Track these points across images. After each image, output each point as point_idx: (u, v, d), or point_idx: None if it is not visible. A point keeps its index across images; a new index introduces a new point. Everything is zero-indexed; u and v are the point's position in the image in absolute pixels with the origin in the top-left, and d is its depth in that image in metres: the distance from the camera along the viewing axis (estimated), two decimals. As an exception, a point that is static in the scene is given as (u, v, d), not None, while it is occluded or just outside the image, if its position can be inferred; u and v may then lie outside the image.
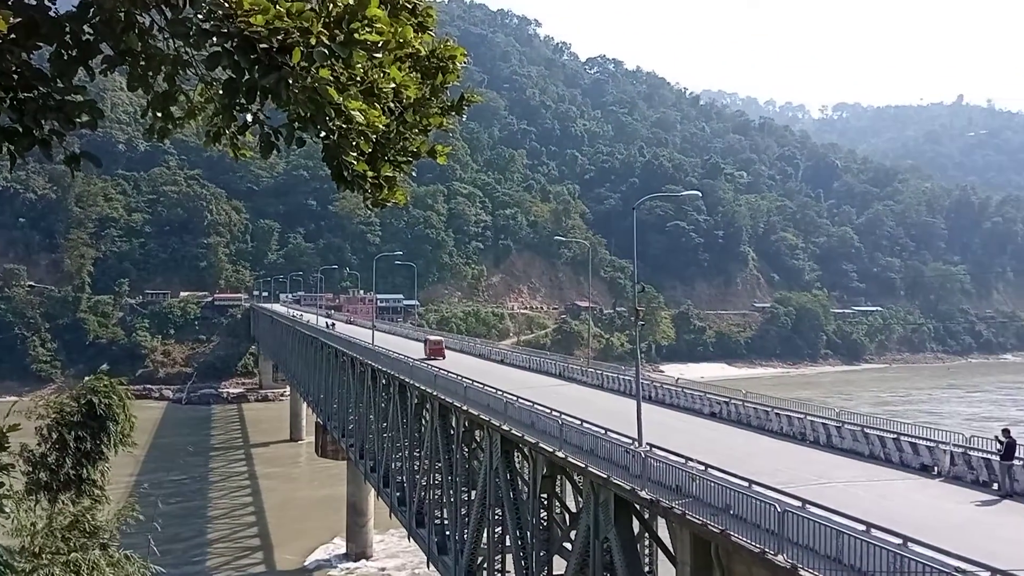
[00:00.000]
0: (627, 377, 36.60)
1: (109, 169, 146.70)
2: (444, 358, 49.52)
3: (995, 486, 18.53)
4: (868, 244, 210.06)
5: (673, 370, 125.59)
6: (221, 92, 4.26)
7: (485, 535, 30.74)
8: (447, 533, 35.37)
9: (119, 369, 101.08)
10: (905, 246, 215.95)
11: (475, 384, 32.31)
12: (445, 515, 35.84)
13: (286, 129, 4.42)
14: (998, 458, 18.68)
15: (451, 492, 34.19)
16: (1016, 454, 18.57)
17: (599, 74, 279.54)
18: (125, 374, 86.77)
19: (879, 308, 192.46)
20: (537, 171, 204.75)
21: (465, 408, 31.47)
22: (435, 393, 34.97)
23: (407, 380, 39.59)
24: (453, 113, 5.48)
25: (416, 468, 39.92)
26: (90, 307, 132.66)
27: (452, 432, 34.83)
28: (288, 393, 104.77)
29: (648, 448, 21.35)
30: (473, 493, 32.13)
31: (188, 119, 4.82)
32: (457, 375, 35.11)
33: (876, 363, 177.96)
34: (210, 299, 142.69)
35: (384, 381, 45.29)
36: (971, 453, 20.66)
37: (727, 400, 30.17)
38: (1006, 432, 18.96)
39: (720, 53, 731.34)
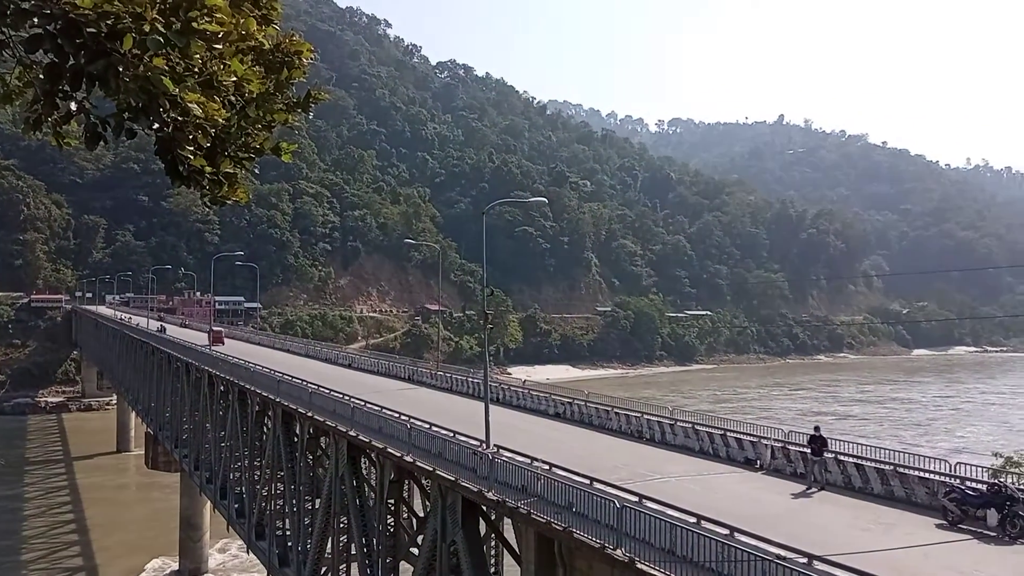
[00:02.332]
0: (476, 380, 36.92)
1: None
2: (224, 344, 60.15)
3: (808, 477, 20.19)
4: (699, 252, 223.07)
5: (520, 372, 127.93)
6: (42, 77, 3.93)
7: (330, 544, 30.01)
8: (289, 544, 34.21)
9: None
10: (732, 254, 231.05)
11: (321, 389, 31.51)
12: (287, 525, 34.65)
13: (115, 119, 4.12)
14: (810, 454, 20.37)
15: (294, 502, 33.10)
16: (825, 450, 20.37)
17: (449, 78, 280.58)
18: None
19: (709, 312, 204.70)
20: (387, 173, 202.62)
21: (310, 414, 30.61)
22: (278, 399, 33.76)
23: (247, 386, 37.97)
24: (299, 110, 5.30)
25: (257, 478, 38.33)
26: None
27: (296, 439, 33.77)
28: (115, 402, 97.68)
29: (495, 450, 21.63)
30: (317, 502, 31.27)
31: (3, 104, 4.39)
32: (302, 380, 34.09)
33: (706, 364, 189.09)
34: (26, 300, 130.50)
35: (222, 388, 43.20)
36: (789, 447, 22.44)
37: (570, 401, 31.11)
38: (817, 429, 20.74)
39: (566, 65, 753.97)
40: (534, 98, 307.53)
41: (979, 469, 19.66)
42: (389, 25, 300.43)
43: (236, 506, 40.16)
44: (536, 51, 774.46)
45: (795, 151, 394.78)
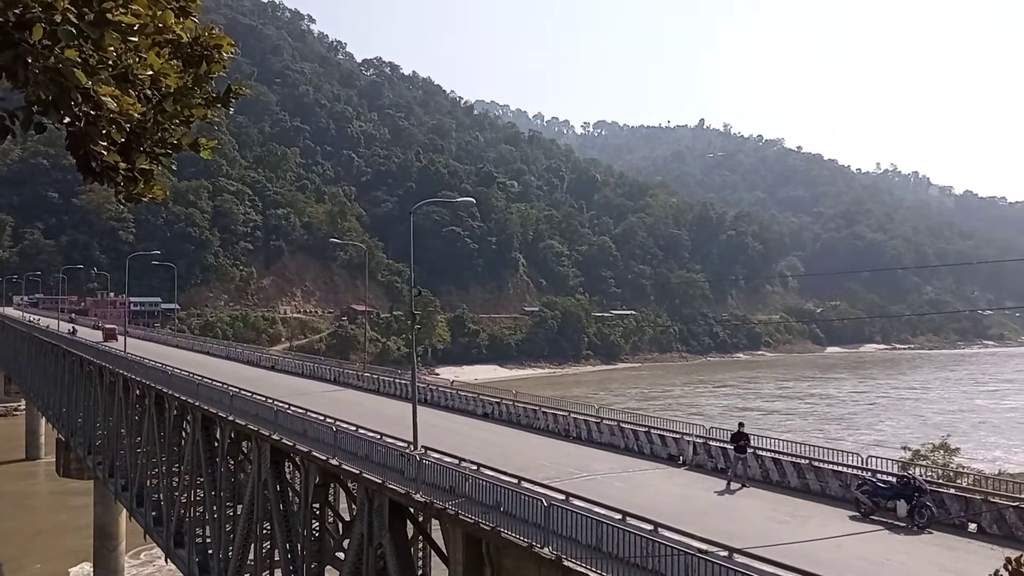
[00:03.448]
0: (403, 381, 36.67)
1: None
2: (117, 340, 60.10)
3: (730, 472, 20.74)
4: (624, 253, 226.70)
5: (448, 373, 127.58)
6: (-59, 67, 3.71)
7: (252, 551, 29.31)
8: (210, 552, 33.27)
9: None
10: (655, 255, 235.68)
11: (243, 393, 30.76)
12: (208, 533, 33.68)
13: (24, 113, 3.92)
14: (733, 450, 20.89)
15: (215, 508, 32.20)
16: (748, 447, 20.95)
17: (375, 76, 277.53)
18: None
19: (633, 312, 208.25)
20: (312, 171, 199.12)
21: (231, 418, 29.83)
22: (197, 404, 32.79)
23: (165, 390, 36.76)
24: (219, 105, 5.15)
25: (175, 484, 37.14)
26: None
27: (216, 444, 32.86)
28: (23, 407, 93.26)
29: (423, 451, 21.52)
30: (239, 508, 30.50)
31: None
32: (223, 383, 33.19)
33: (631, 362, 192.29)
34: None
35: (138, 392, 41.71)
36: (711, 443, 23.03)
37: (499, 401, 31.19)
38: (741, 426, 21.32)
39: (493, 66, 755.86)
40: (461, 98, 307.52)
41: (889, 462, 20.57)
42: (313, 20, 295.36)
43: (154, 514, 38.89)
44: (463, 51, 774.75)
45: (715, 155, 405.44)
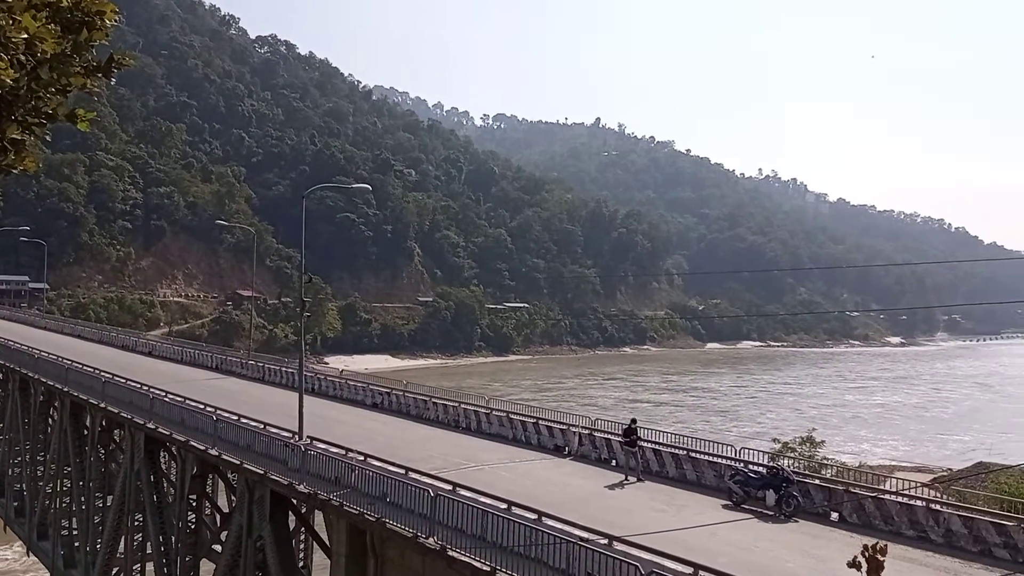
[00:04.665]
0: (290, 370, 35.88)
1: None
2: None
3: (624, 466, 21.24)
4: (519, 246, 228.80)
5: (338, 362, 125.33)
6: None
7: (123, 544, 28.04)
8: (76, 544, 31.59)
9: None
10: (549, 249, 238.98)
11: (116, 379, 29.33)
12: (75, 525, 31.98)
13: None
14: (623, 443, 21.35)
15: (83, 499, 30.59)
16: (639, 440, 21.54)
17: (270, 54, 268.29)
18: None
19: (526, 305, 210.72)
20: (198, 149, 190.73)
21: (103, 405, 28.40)
22: (66, 389, 31.02)
23: (30, 374, 34.57)
24: (99, 75, 4.90)
25: (40, 474, 35.04)
26: None
27: (86, 432, 31.20)
28: None
29: (308, 441, 21.14)
30: (110, 499, 29.11)
31: None
32: (95, 369, 31.51)
33: (522, 354, 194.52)
34: None
35: (1, 375, 39.04)
36: (595, 434, 23.65)
37: (389, 391, 30.99)
38: (633, 422, 21.82)
39: (393, 52, 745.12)
40: (359, 82, 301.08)
41: (760, 453, 21.71)
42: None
43: (16, 504, 36.68)
44: (362, 35, 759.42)
45: (610, 154, 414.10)
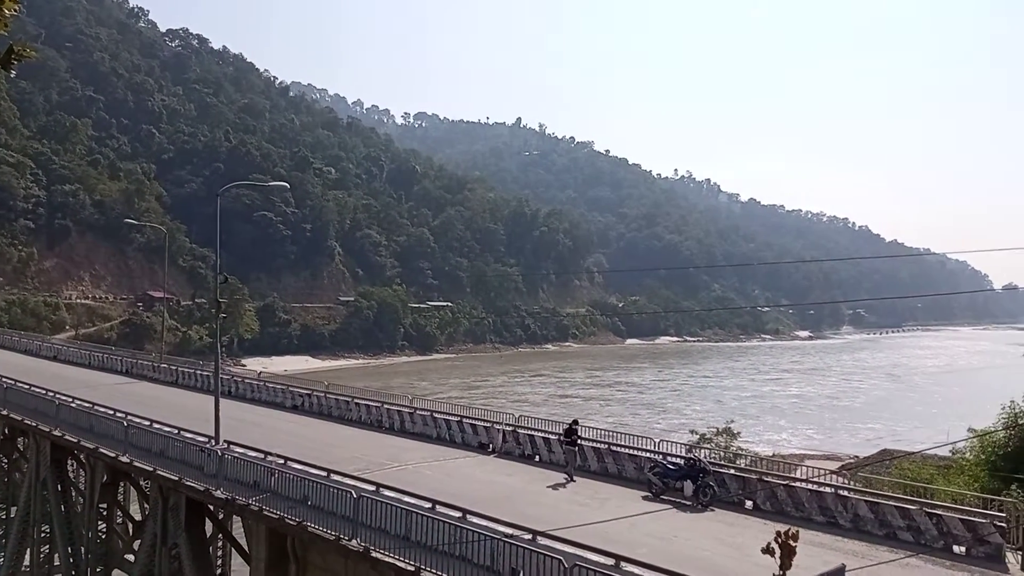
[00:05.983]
0: (206, 373, 34.93)
1: None
2: None
3: (537, 458, 21.49)
4: (442, 245, 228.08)
5: (256, 364, 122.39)
6: None
7: (28, 556, 26.77)
8: (-26, 562, 29.91)
9: None
10: (472, 248, 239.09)
11: (18, 384, 27.98)
12: (-28, 541, 30.28)
13: None
14: (565, 442, 21.43)
15: (-19, 513, 29.03)
16: (579, 439, 21.68)
17: (181, 48, 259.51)
18: None
19: (449, 303, 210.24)
20: (105, 145, 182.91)
21: (5, 412, 27.06)
22: (-38, 397, 29.35)
23: (-79, 383, 32.56)
24: (-1, 68, 4.69)
25: (-68, 489, 33.00)
26: None
27: (-15, 442, 29.60)
28: None
29: (225, 445, 20.64)
30: (13, 510, 27.74)
31: None
32: (-7, 375, 29.96)
33: (446, 353, 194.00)
34: None
35: None
36: (519, 431, 23.83)
37: (309, 392, 30.50)
38: (575, 422, 21.94)
39: (310, 49, 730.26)
40: (276, 78, 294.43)
41: (678, 445, 22.29)
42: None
43: (-97, 523, 34.29)
44: (277, 30, 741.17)
45: (531, 153, 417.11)
